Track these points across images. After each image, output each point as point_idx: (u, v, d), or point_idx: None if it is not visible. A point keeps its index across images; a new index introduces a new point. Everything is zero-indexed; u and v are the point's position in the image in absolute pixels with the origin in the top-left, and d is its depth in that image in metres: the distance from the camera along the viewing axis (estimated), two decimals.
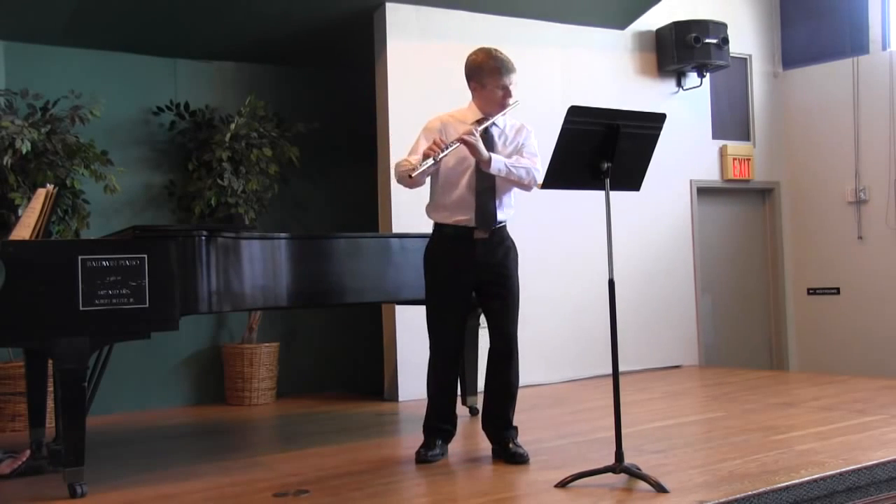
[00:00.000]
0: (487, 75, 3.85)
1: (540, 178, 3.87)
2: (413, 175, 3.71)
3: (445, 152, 3.68)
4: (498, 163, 3.78)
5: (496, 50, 3.91)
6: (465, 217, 3.86)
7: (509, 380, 3.92)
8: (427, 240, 4.03)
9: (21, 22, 5.57)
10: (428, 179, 3.90)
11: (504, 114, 3.89)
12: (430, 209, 3.99)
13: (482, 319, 4.26)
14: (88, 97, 5.51)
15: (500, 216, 3.92)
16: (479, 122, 3.86)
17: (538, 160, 3.92)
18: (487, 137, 3.86)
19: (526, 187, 3.91)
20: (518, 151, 3.93)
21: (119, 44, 6.03)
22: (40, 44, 5.85)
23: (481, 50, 3.93)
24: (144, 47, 6.14)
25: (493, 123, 3.88)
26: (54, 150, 5.30)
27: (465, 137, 3.71)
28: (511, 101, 3.88)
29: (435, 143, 3.71)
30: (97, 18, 5.65)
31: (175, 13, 5.71)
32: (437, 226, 3.97)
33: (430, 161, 3.66)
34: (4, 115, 5.25)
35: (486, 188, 3.84)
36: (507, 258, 3.94)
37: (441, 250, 3.93)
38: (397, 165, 3.89)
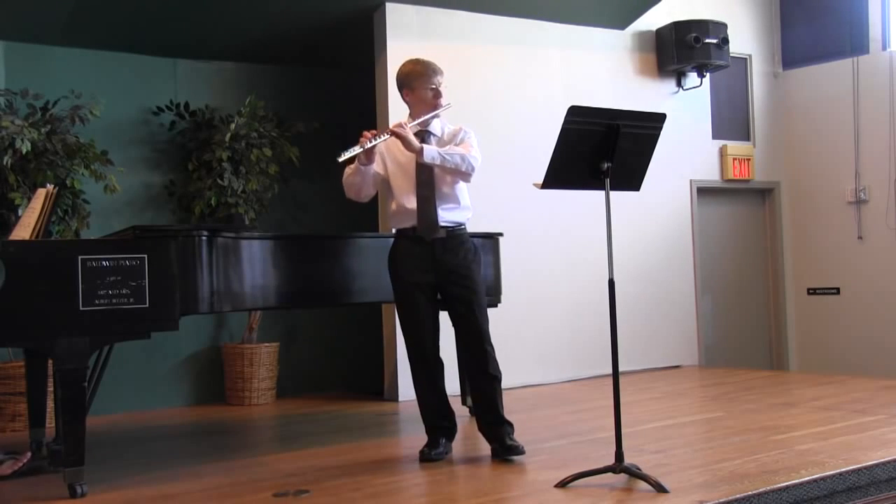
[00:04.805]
0: (415, 79, 3.97)
1: (477, 164, 3.94)
2: (340, 160, 3.78)
3: (375, 142, 3.78)
4: (431, 151, 3.85)
5: (421, 58, 4.03)
6: (414, 223, 3.93)
7: (489, 372, 3.92)
8: None
9: (21, 22, 5.57)
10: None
11: (437, 115, 3.98)
12: (388, 219, 4.10)
13: None
14: (88, 97, 5.51)
15: (454, 218, 3.98)
16: (417, 125, 3.96)
17: (475, 151, 3.98)
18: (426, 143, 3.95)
19: (465, 175, 3.94)
20: None
21: (119, 44, 6.03)
22: (40, 44, 5.85)
23: (408, 61, 4.06)
24: (144, 47, 6.14)
25: (430, 133, 3.98)
26: (54, 150, 5.30)
27: (395, 129, 3.83)
28: (443, 101, 3.97)
29: (366, 133, 3.80)
30: (97, 18, 5.65)
31: (175, 13, 5.71)
32: (396, 231, 4.06)
33: (358, 148, 3.77)
34: (4, 115, 5.25)
35: (426, 196, 3.90)
36: (466, 259, 3.97)
37: (401, 254, 4.00)
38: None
